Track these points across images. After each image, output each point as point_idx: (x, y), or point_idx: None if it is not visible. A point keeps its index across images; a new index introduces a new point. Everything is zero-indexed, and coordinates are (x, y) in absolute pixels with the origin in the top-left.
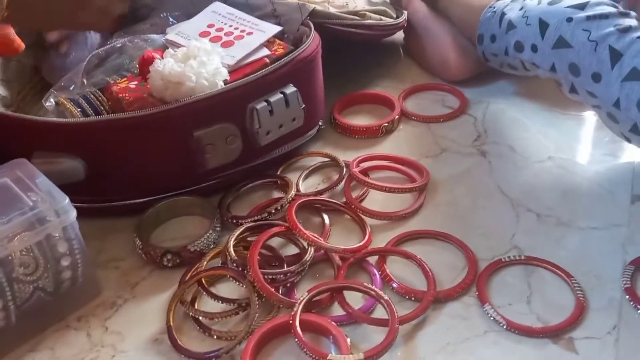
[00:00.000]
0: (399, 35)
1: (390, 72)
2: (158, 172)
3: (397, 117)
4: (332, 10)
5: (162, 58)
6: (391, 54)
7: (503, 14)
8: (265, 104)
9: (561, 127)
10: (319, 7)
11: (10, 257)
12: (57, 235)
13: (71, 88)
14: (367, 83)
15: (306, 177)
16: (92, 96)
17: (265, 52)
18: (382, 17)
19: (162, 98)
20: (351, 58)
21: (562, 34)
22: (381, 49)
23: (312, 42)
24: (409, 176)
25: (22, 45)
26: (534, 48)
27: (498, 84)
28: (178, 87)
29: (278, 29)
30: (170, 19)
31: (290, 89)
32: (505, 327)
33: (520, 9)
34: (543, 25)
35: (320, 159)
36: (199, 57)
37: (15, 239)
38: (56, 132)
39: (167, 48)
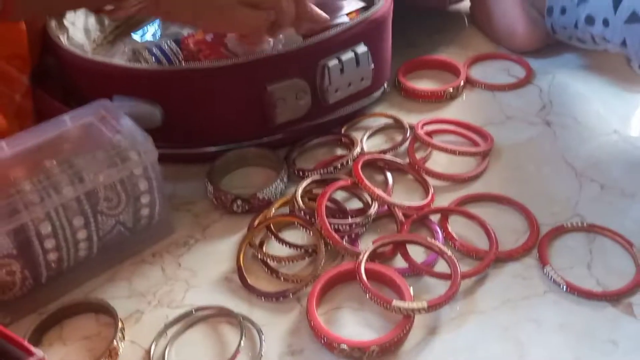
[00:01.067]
0: (465, 3)
1: (455, 40)
2: (230, 123)
3: (462, 83)
4: None
5: None
6: (456, 21)
7: None
8: (336, 61)
9: (628, 103)
10: None
11: (95, 191)
12: (138, 173)
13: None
14: (431, 49)
15: (370, 136)
16: (166, 46)
17: (344, 19)
18: None
19: (237, 52)
20: (416, 24)
21: (636, 8)
22: (445, 17)
23: (385, 2)
24: (472, 141)
25: None
26: (606, 22)
27: (565, 56)
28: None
29: (360, 4)
30: None
31: (362, 48)
32: (565, 288)
33: None
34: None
35: (384, 120)
36: None
37: (101, 175)
38: (137, 78)
39: None
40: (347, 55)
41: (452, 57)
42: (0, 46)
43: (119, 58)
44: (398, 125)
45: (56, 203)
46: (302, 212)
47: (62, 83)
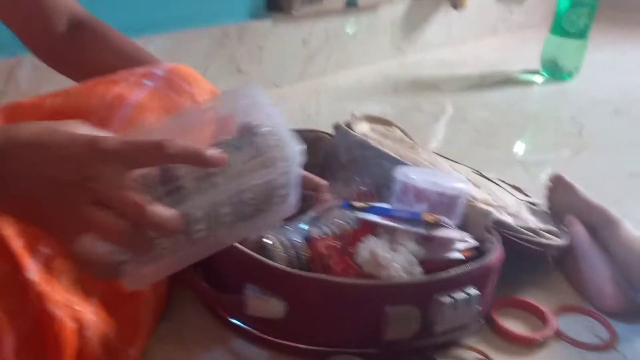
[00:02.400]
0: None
1: (540, 282)
2: (344, 329)
3: (550, 333)
4: (508, 219)
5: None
6: (539, 261)
7: None
8: (451, 299)
9: None
10: (500, 217)
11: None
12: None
13: (287, 231)
14: (518, 287)
15: None
16: (298, 244)
17: (458, 255)
18: (552, 237)
19: (362, 267)
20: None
21: None
22: (531, 258)
23: (499, 252)
24: None
25: None
26: None
27: None
28: (379, 269)
29: (473, 243)
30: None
31: (474, 292)
32: None
33: None
34: None
35: (476, 355)
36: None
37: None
38: (269, 273)
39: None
40: (461, 296)
41: (538, 299)
42: None
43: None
44: None
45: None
46: None
47: None
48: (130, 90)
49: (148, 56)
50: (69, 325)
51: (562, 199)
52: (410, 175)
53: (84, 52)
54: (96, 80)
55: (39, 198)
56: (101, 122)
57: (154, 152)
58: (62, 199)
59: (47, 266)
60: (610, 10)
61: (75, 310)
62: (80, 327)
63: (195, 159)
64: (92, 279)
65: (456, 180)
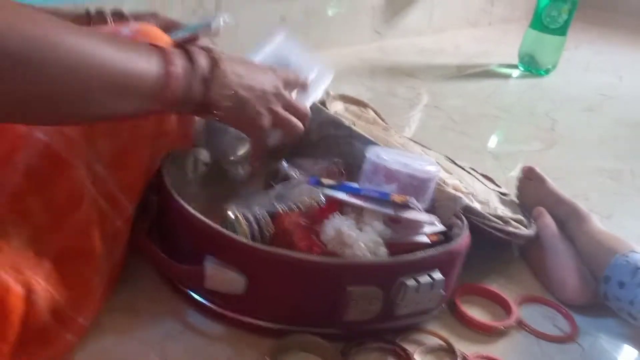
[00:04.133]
0: None
1: (505, 271)
2: (304, 308)
3: (512, 322)
4: (477, 205)
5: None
6: (504, 249)
7: (638, 269)
8: (414, 282)
9: None
10: (469, 203)
11: None
12: None
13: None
14: (483, 275)
15: (423, 355)
16: (262, 219)
17: (424, 239)
18: (519, 226)
19: (327, 245)
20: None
21: None
22: (496, 246)
23: (465, 237)
24: None
25: None
26: None
27: (609, 320)
28: (344, 248)
29: (440, 228)
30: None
31: (438, 276)
32: None
33: None
34: None
35: (437, 341)
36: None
37: None
38: (230, 245)
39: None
40: (425, 279)
41: (501, 288)
42: (118, 172)
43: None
44: (450, 350)
45: None
46: None
47: (157, 221)
48: None
49: None
50: (15, 289)
51: (532, 191)
52: (382, 155)
53: None
54: None
55: (248, 98)
56: None
57: (298, 84)
58: (265, 100)
59: None
60: (591, 8)
61: (23, 274)
62: (28, 292)
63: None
64: (45, 241)
65: (428, 163)
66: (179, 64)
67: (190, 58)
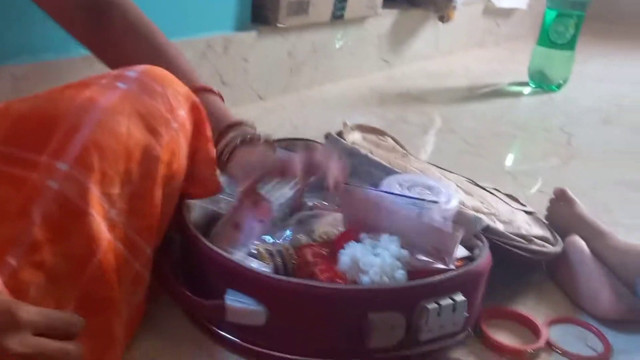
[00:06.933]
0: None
1: (534, 292)
2: (326, 338)
3: (542, 346)
4: (500, 226)
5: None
6: (533, 270)
7: None
8: (436, 305)
9: None
10: (491, 224)
11: None
12: None
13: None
14: (510, 298)
15: None
16: (285, 252)
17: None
18: (545, 244)
19: (346, 274)
20: (497, 269)
21: None
22: (525, 266)
23: (486, 257)
24: None
25: None
26: None
27: None
28: (361, 275)
29: (465, 253)
30: None
31: (460, 298)
32: None
33: None
34: None
35: None
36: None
37: None
38: (251, 278)
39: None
40: (446, 302)
41: (529, 310)
42: (133, 218)
43: (240, 251)
44: None
45: None
46: None
47: (181, 258)
48: (101, 93)
49: (180, 57)
50: None
51: (562, 213)
52: (396, 184)
53: (110, 35)
54: (67, 84)
55: None
56: (71, 126)
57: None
58: None
59: (14, 278)
60: (598, 21)
61: None
62: None
63: None
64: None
65: (445, 187)
66: None
67: None
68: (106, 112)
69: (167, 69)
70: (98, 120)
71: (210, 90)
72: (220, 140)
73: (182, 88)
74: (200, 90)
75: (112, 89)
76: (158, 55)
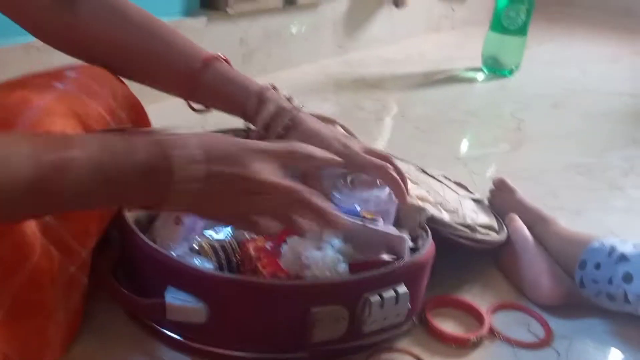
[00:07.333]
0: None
1: (480, 279)
2: (269, 334)
3: (485, 332)
4: (445, 215)
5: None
6: (479, 258)
7: (614, 248)
8: (378, 298)
9: None
10: (436, 214)
11: None
12: None
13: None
14: (457, 285)
15: None
16: (229, 246)
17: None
18: (489, 232)
19: (289, 269)
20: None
21: None
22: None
23: (429, 248)
24: None
25: None
26: None
27: (585, 321)
28: (304, 269)
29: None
30: None
31: (403, 289)
32: None
33: (634, 247)
34: None
35: (409, 359)
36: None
37: None
38: (191, 275)
39: None
40: (389, 294)
41: (475, 297)
42: (68, 222)
43: (182, 246)
44: None
45: None
46: None
47: (120, 256)
48: (37, 93)
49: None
50: None
51: (503, 202)
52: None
53: (82, 28)
54: (3, 84)
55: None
56: (3, 125)
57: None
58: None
59: None
60: (548, 6)
61: None
62: None
63: None
64: None
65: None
66: None
67: None
68: (41, 112)
69: (164, 48)
70: (32, 121)
71: (218, 59)
72: (262, 107)
73: (119, 87)
74: (210, 61)
75: (48, 89)
76: (152, 35)
